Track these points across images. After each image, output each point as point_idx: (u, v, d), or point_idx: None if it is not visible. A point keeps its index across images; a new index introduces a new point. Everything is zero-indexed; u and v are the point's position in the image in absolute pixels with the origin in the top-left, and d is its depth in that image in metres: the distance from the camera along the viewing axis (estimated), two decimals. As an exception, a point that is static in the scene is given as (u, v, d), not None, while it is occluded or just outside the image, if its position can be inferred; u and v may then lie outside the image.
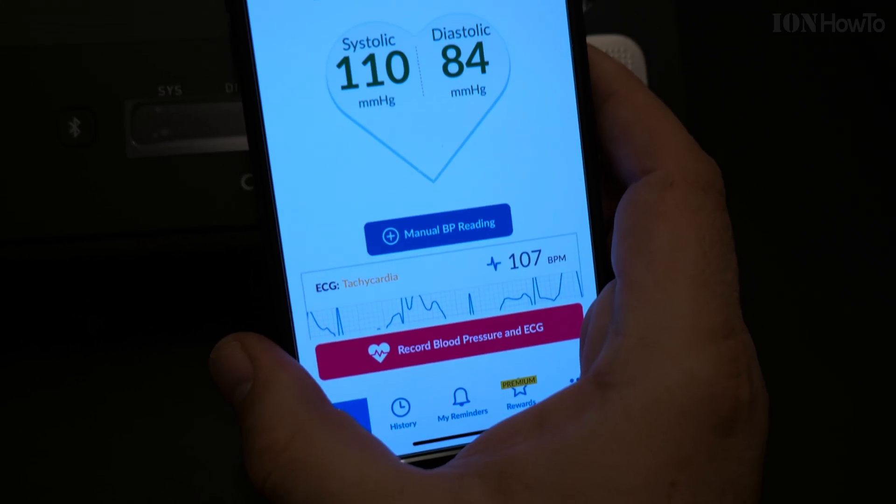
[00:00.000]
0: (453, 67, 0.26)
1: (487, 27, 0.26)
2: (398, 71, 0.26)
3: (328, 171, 0.26)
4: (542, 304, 0.27)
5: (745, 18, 0.45)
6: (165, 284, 0.39)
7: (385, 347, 0.26)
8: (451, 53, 0.26)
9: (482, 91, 0.26)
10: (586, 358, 0.25)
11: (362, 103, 0.26)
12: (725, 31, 0.45)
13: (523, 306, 0.27)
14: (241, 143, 0.34)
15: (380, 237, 0.26)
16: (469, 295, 0.27)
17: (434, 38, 0.26)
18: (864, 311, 0.42)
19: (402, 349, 0.26)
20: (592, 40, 0.34)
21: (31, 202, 0.33)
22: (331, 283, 0.26)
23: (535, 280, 0.27)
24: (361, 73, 0.26)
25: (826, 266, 0.43)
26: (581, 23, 0.26)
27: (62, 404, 0.37)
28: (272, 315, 0.26)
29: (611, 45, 0.34)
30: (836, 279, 0.43)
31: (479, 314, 0.27)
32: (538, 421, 0.23)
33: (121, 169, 0.33)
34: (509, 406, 0.27)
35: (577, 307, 0.27)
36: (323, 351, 0.26)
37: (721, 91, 0.44)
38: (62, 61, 0.33)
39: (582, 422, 0.23)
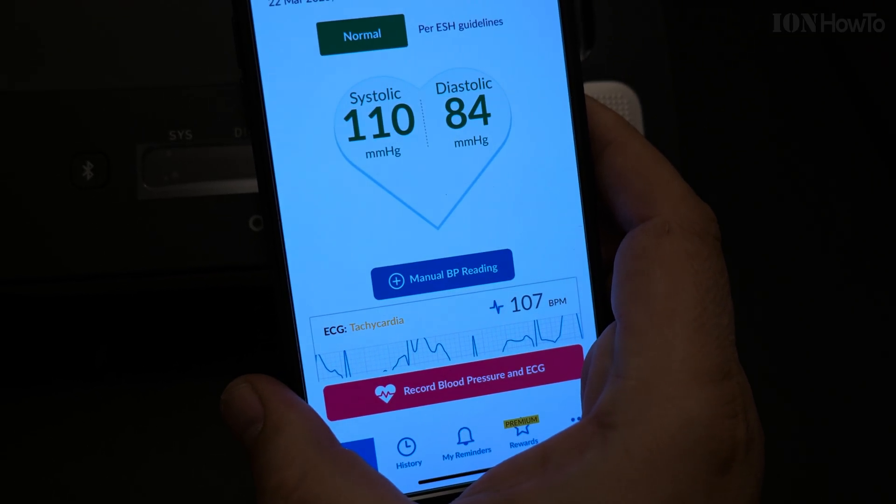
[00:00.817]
0: (457, 119, 0.27)
1: (489, 80, 0.27)
2: (404, 123, 0.27)
3: (336, 218, 0.27)
4: (543, 346, 0.28)
5: (745, 19, 0.45)
6: (175, 322, 0.40)
7: (391, 389, 0.27)
8: (455, 106, 0.27)
9: (484, 142, 0.27)
10: (587, 398, 0.26)
11: (369, 154, 0.27)
12: (724, 32, 0.45)
13: (525, 348, 0.28)
14: (248, 185, 0.35)
15: (386, 282, 0.27)
16: (472, 337, 0.27)
17: (438, 92, 0.27)
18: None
19: (407, 390, 0.27)
20: (589, 87, 0.35)
21: (45, 242, 0.34)
22: (338, 326, 0.27)
23: (536, 322, 0.28)
24: (368, 126, 0.27)
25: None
26: (579, 76, 0.28)
27: (75, 440, 0.38)
28: (281, 357, 0.27)
29: (607, 91, 0.35)
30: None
31: (483, 356, 0.28)
32: (541, 460, 0.24)
33: (132, 210, 0.34)
34: (512, 445, 0.28)
35: (578, 348, 0.28)
36: (331, 392, 0.27)
37: (716, 119, 0.44)
38: (77, 106, 0.34)
39: (584, 461, 0.23)
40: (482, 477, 0.25)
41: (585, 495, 0.23)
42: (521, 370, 0.28)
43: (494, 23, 0.27)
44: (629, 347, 0.24)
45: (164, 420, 0.39)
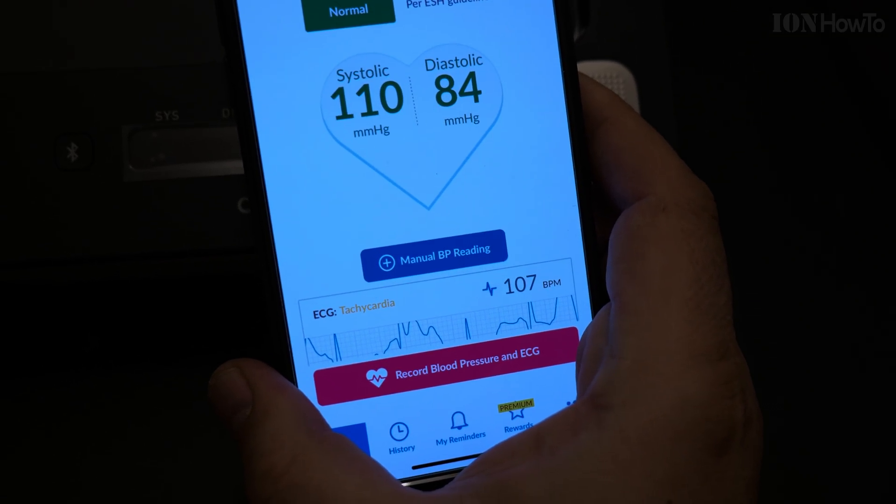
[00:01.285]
0: (447, 97, 0.27)
1: (480, 57, 0.27)
2: (392, 101, 0.26)
3: (324, 199, 0.26)
4: (537, 329, 0.27)
5: (744, 18, 0.45)
6: (163, 307, 0.40)
7: (383, 373, 0.27)
8: (445, 83, 0.27)
9: (475, 119, 0.27)
10: (582, 380, 0.25)
11: (357, 133, 0.26)
12: (723, 31, 0.45)
13: (519, 330, 0.27)
14: (236, 166, 0.34)
15: (376, 264, 0.26)
16: (465, 320, 0.27)
17: (427, 69, 0.26)
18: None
19: (399, 374, 0.27)
20: (584, 67, 0.34)
21: (29, 226, 0.33)
22: (328, 309, 0.26)
23: (530, 304, 0.27)
24: (356, 104, 0.26)
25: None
26: (572, 51, 0.27)
27: (77, 434, 0.38)
28: (270, 342, 0.26)
29: (602, 71, 0.34)
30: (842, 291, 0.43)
31: (476, 339, 0.27)
32: (535, 442, 0.24)
33: (118, 193, 0.34)
34: (507, 429, 0.27)
35: (573, 330, 0.27)
36: (321, 377, 0.26)
37: (713, 104, 0.44)
38: (60, 87, 0.33)
39: (578, 443, 0.23)
40: (475, 461, 0.25)
41: (579, 477, 0.22)
42: (516, 353, 0.27)
43: None
44: (624, 328, 0.24)
45: (148, 405, 0.38)
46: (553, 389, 0.27)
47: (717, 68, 0.45)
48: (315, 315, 0.26)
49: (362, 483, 0.23)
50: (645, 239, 0.25)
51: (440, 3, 0.26)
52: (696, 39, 0.44)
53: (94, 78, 0.34)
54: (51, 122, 0.33)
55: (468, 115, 0.27)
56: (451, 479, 0.25)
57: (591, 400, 0.24)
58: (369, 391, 0.27)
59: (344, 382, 0.26)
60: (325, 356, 0.26)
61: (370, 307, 0.26)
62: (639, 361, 0.23)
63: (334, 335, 0.26)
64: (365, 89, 0.26)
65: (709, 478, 0.23)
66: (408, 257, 0.27)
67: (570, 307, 0.27)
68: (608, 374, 0.24)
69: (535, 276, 0.27)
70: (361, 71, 0.26)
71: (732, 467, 0.23)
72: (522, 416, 0.27)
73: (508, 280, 0.27)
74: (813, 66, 0.45)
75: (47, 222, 0.33)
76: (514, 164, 0.27)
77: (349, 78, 0.26)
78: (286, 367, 0.26)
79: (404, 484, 0.26)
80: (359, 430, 0.27)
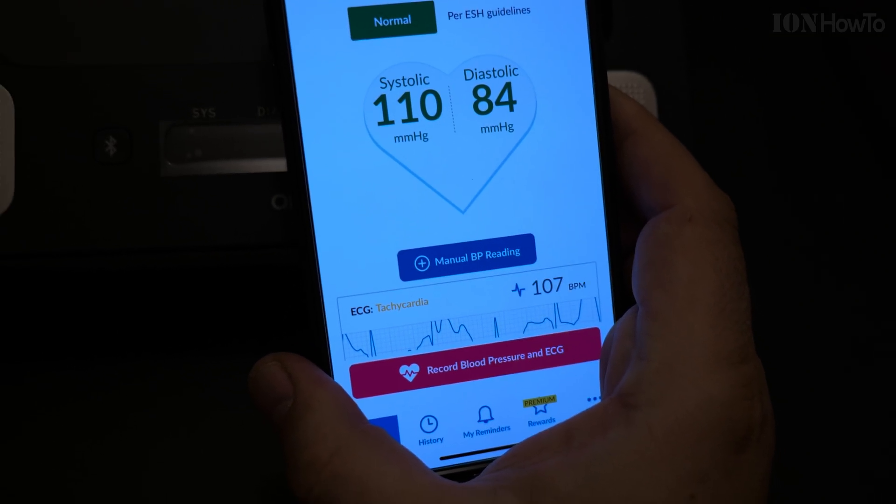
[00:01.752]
0: (483, 106, 0.28)
1: (516, 68, 0.28)
2: (432, 108, 0.27)
3: (364, 201, 0.27)
4: (562, 328, 0.29)
5: (745, 19, 0.45)
6: (191, 301, 0.41)
7: (415, 368, 0.28)
8: (482, 93, 0.28)
9: (510, 128, 0.28)
10: (609, 379, 0.27)
11: (397, 138, 0.27)
12: (724, 32, 0.45)
13: (545, 330, 0.29)
14: (270, 164, 0.35)
15: (412, 264, 0.28)
16: (494, 319, 0.28)
17: (466, 78, 0.28)
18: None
19: (431, 369, 0.28)
20: (606, 76, 0.35)
21: (68, 217, 0.34)
22: (365, 307, 0.27)
23: (556, 305, 0.29)
24: (397, 111, 0.27)
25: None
26: (603, 65, 0.28)
27: (94, 416, 0.39)
28: (309, 336, 0.27)
29: (623, 81, 0.36)
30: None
31: (504, 337, 0.28)
32: (565, 438, 0.25)
33: (154, 187, 0.34)
34: (531, 423, 0.29)
35: (596, 331, 0.29)
36: (357, 371, 0.28)
37: (729, 113, 0.44)
38: (101, 83, 0.34)
39: (608, 439, 0.24)
40: (505, 454, 0.26)
41: (609, 472, 0.24)
42: (541, 351, 0.29)
43: (522, 11, 0.28)
44: (652, 331, 0.25)
45: (176, 399, 0.39)
46: (575, 386, 0.29)
47: (720, 69, 0.45)
48: (352, 312, 0.27)
49: (402, 474, 0.25)
50: (672, 247, 0.26)
51: (480, 15, 0.28)
52: (696, 39, 0.44)
53: (133, 74, 0.34)
54: (91, 117, 0.34)
55: (503, 124, 0.28)
56: (477, 471, 0.26)
57: (620, 399, 0.25)
58: (402, 385, 0.28)
59: (378, 376, 0.28)
60: (360, 351, 0.28)
61: (405, 305, 0.28)
62: (666, 364, 0.25)
63: (370, 331, 0.28)
64: (406, 97, 0.27)
65: (729, 473, 0.24)
66: (442, 258, 0.28)
67: (594, 309, 0.29)
68: (636, 374, 0.25)
69: (561, 278, 0.29)
70: (403, 79, 0.27)
71: (750, 463, 0.25)
72: (546, 412, 0.29)
73: (536, 282, 0.28)
74: (813, 66, 0.45)
75: (86, 213, 0.33)
76: (544, 171, 0.28)
77: (391, 86, 0.27)
78: (324, 362, 0.27)
79: (434, 474, 0.28)
80: (391, 422, 0.28)
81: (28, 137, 0.33)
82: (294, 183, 0.27)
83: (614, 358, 0.27)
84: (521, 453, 0.26)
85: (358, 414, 0.26)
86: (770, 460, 0.26)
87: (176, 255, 0.34)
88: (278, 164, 0.34)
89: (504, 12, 0.28)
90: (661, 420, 0.24)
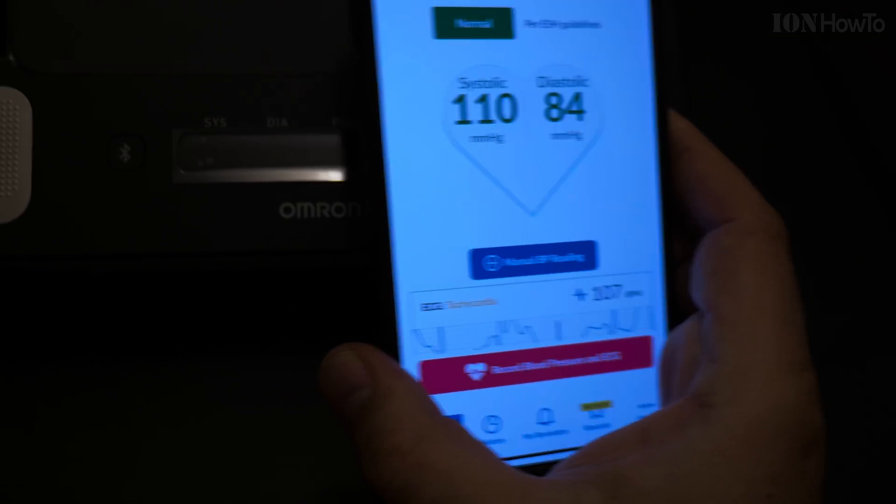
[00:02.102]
0: (554, 113, 0.29)
1: (586, 79, 0.29)
2: (507, 111, 0.28)
3: (439, 198, 0.27)
4: (619, 335, 0.29)
5: (745, 19, 0.45)
6: (198, 301, 0.40)
7: (482, 367, 0.28)
8: (554, 100, 0.29)
9: (578, 136, 0.29)
10: (676, 383, 0.27)
11: (474, 138, 0.28)
12: (724, 32, 0.45)
13: (603, 335, 0.29)
14: (279, 173, 0.35)
15: (482, 263, 0.28)
16: (557, 322, 0.29)
17: (539, 85, 0.28)
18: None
19: (496, 369, 0.28)
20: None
21: (82, 221, 0.34)
22: (436, 303, 0.27)
23: (614, 312, 0.29)
24: (475, 111, 0.28)
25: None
26: (664, 83, 0.29)
27: (95, 413, 0.38)
28: (379, 330, 0.27)
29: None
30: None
31: (565, 340, 0.29)
32: (641, 437, 0.26)
33: (167, 193, 0.34)
34: (587, 428, 0.29)
35: (648, 339, 0.30)
36: (426, 367, 0.27)
37: (724, 109, 0.44)
38: (116, 90, 0.34)
39: (686, 437, 0.25)
40: (577, 453, 0.26)
41: (689, 469, 0.24)
42: (598, 356, 0.29)
43: (593, 25, 0.29)
44: (723, 336, 0.26)
45: (175, 398, 0.38)
46: (629, 392, 0.29)
47: (720, 69, 0.45)
48: (424, 308, 0.27)
49: (486, 465, 0.24)
50: (736, 258, 0.27)
51: (555, 25, 0.29)
52: (696, 40, 0.45)
53: (148, 82, 0.34)
54: (106, 125, 0.34)
55: (572, 132, 0.29)
56: (536, 473, 0.26)
57: (696, 399, 0.26)
58: (467, 384, 0.28)
59: (445, 374, 0.28)
60: (430, 347, 0.27)
61: (474, 304, 0.28)
62: (739, 367, 0.26)
63: (440, 328, 0.27)
64: (484, 98, 0.28)
65: (798, 475, 0.25)
66: (511, 259, 0.28)
67: (648, 317, 0.30)
68: (709, 376, 0.26)
69: (620, 285, 0.29)
70: (482, 80, 0.28)
71: (816, 467, 0.26)
72: (602, 416, 0.29)
73: (597, 288, 0.29)
74: (808, 63, 0.46)
75: (99, 219, 0.33)
76: (607, 180, 0.29)
77: (471, 86, 0.28)
78: (394, 356, 0.27)
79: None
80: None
81: (45, 143, 0.33)
82: (374, 175, 0.27)
83: (683, 362, 0.27)
84: (597, 451, 0.26)
85: (435, 406, 0.26)
86: (826, 467, 0.27)
87: (186, 260, 0.35)
88: (287, 174, 0.34)
89: (577, 24, 0.29)
90: (737, 419, 0.25)
